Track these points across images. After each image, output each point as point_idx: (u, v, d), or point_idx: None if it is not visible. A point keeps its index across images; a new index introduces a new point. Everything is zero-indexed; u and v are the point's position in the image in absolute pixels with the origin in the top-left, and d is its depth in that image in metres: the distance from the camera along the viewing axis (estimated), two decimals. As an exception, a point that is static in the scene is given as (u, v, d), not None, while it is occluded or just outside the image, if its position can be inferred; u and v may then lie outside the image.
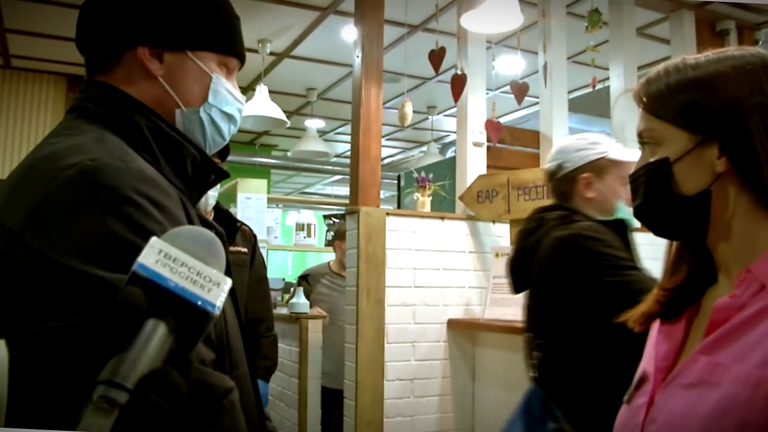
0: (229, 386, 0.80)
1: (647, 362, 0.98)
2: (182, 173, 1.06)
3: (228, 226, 2.99)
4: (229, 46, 1.13)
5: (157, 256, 0.61)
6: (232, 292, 1.06)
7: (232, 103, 1.14)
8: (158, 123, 1.04)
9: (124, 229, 0.82)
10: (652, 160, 0.94)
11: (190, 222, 0.98)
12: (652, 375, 0.94)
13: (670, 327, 0.98)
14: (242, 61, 1.17)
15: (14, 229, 0.83)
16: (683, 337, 0.95)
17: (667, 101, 0.93)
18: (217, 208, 2.96)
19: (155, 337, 0.58)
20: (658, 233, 0.99)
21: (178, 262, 0.61)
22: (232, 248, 2.93)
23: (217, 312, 0.61)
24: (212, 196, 2.89)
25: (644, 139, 0.97)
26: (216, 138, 1.14)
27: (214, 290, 0.62)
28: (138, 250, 0.73)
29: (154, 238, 0.63)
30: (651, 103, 0.95)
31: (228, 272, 0.75)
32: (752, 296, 0.86)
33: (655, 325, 1.02)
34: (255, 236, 3.15)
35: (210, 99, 1.10)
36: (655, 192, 0.94)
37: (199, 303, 0.60)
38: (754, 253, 0.88)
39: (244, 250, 3.01)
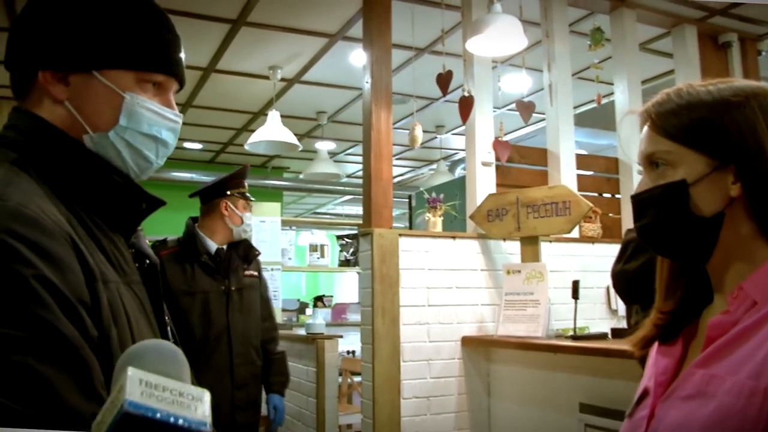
0: None
1: (647, 379, 1.02)
2: (105, 203, 1.00)
3: (247, 252, 3.09)
4: (147, 61, 1.03)
5: (141, 388, 0.60)
6: (163, 332, 1.07)
7: (157, 123, 1.04)
8: (75, 151, 0.99)
9: None
10: (665, 181, 0.96)
11: (82, 260, 0.88)
12: (653, 389, 0.98)
13: (668, 347, 1.01)
14: (173, 74, 1.07)
15: None
16: (681, 354, 0.99)
17: (681, 121, 0.95)
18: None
19: None
20: (664, 253, 1.03)
21: (159, 387, 0.61)
22: (246, 272, 3.04)
23: (209, 429, 0.61)
24: (248, 225, 3.03)
25: (655, 160, 0.98)
26: (140, 162, 1.04)
27: (200, 407, 0.62)
28: (4, 298, 0.74)
29: (131, 369, 0.61)
30: (663, 123, 0.97)
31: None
32: (744, 312, 0.90)
33: (654, 346, 1.05)
34: (258, 258, 3.27)
35: (122, 121, 1.01)
36: (671, 213, 0.96)
37: (192, 426, 0.60)
38: (745, 272, 0.93)
39: (255, 272, 3.12)
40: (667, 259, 1.04)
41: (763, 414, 0.82)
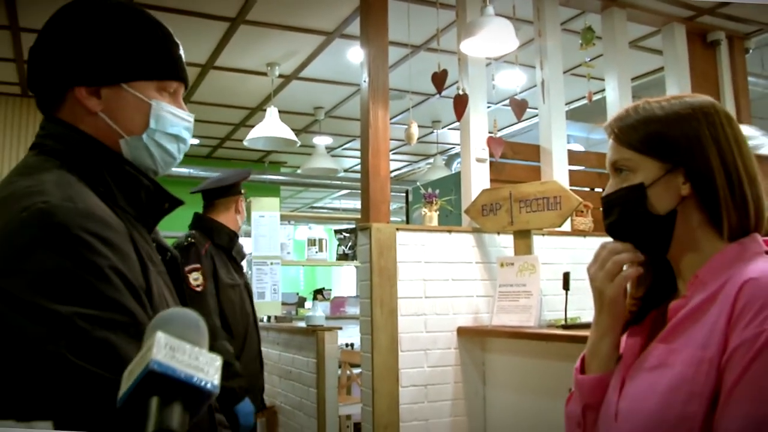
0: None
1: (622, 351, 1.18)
2: (137, 203, 1.12)
3: (241, 248, 3.26)
4: (165, 71, 1.17)
5: (165, 350, 0.70)
6: (180, 293, 1.19)
7: (177, 124, 1.18)
8: (112, 158, 1.11)
9: (72, 265, 0.90)
10: (627, 184, 1.12)
11: (138, 252, 1.03)
12: (623, 362, 1.14)
13: (638, 327, 1.16)
14: (183, 81, 1.21)
15: None
16: (648, 334, 1.14)
17: (638, 133, 1.11)
18: None
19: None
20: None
21: (180, 350, 0.71)
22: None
23: (216, 391, 0.71)
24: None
25: (618, 167, 1.14)
26: (166, 158, 1.19)
27: (211, 370, 0.72)
28: (85, 284, 0.89)
29: (159, 333, 0.71)
30: (624, 136, 1.13)
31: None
32: (696, 294, 1.06)
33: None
34: None
35: (152, 124, 1.14)
36: (632, 211, 1.12)
37: (203, 384, 0.71)
38: (703, 262, 1.08)
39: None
40: None
41: (709, 379, 0.98)
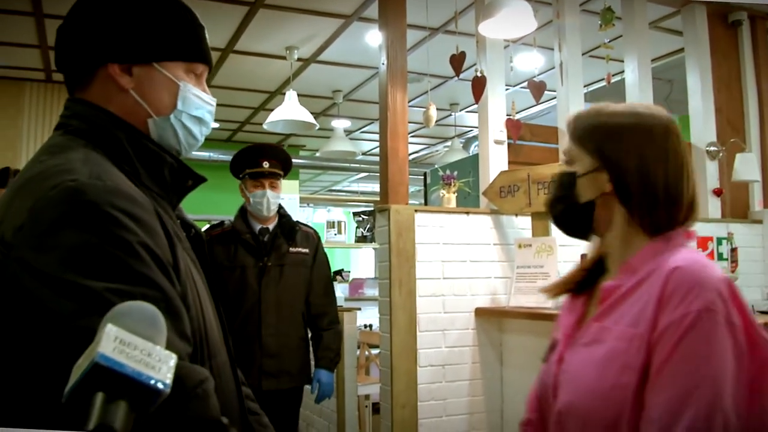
0: (203, 377, 0.93)
1: (557, 331, 1.35)
2: (161, 180, 1.14)
3: (288, 229, 3.24)
4: (194, 53, 1.19)
5: (113, 344, 0.66)
6: (213, 288, 1.21)
7: (202, 107, 1.20)
8: (136, 136, 1.12)
9: (101, 241, 0.91)
10: (566, 170, 1.32)
11: (165, 228, 1.04)
12: (561, 340, 1.31)
13: (574, 304, 1.35)
14: (209, 65, 1.23)
15: (8, 241, 0.92)
16: (582, 312, 1.32)
17: (584, 134, 1.30)
18: (280, 212, 3.25)
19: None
20: (556, 224, 1.37)
21: (131, 345, 0.67)
22: (291, 249, 3.20)
23: (167, 390, 0.67)
24: (273, 202, 3.15)
25: (565, 156, 1.33)
26: (189, 140, 1.20)
27: (164, 368, 0.68)
28: (115, 259, 0.90)
29: (109, 326, 0.67)
30: (575, 133, 1.31)
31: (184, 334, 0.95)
32: (627, 279, 1.22)
33: (565, 304, 1.40)
34: (318, 237, 3.39)
35: (179, 105, 1.16)
36: (563, 194, 1.32)
37: (152, 382, 0.66)
38: (628, 251, 1.26)
39: (305, 250, 3.25)
40: None
41: (640, 353, 1.12)
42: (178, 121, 1.17)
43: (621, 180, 1.24)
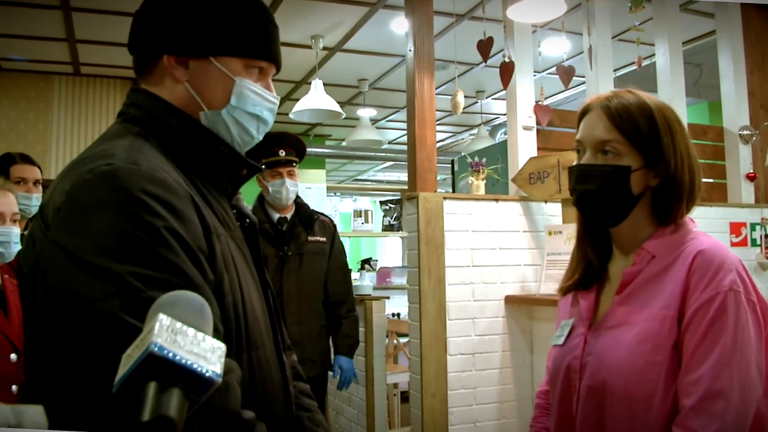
0: (227, 368, 0.89)
1: (568, 317, 1.42)
2: (213, 169, 1.14)
3: (306, 218, 3.25)
4: (254, 49, 1.16)
5: (167, 333, 0.67)
6: (263, 282, 1.22)
7: (260, 104, 1.18)
8: (190, 125, 1.13)
9: (131, 226, 0.92)
10: (615, 163, 1.30)
11: (201, 215, 1.04)
12: (581, 324, 1.37)
13: (585, 293, 1.40)
14: (274, 63, 1.21)
15: (48, 222, 0.96)
16: (596, 297, 1.38)
17: (635, 130, 1.29)
18: (297, 201, 3.25)
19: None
20: (591, 214, 1.36)
21: (182, 335, 0.68)
22: (310, 238, 3.20)
23: (219, 380, 0.68)
24: (291, 190, 3.15)
25: (606, 148, 1.31)
26: (243, 137, 1.18)
27: (213, 358, 0.69)
28: (142, 244, 0.91)
29: (162, 315, 0.68)
30: (622, 126, 1.30)
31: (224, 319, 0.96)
32: (646, 264, 1.30)
33: (567, 297, 1.46)
34: (335, 226, 3.39)
35: (232, 101, 1.14)
36: (614, 187, 1.30)
37: (204, 372, 0.67)
38: (640, 238, 1.33)
39: (323, 239, 3.26)
40: (580, 228, 1.43)
41: (672, 333, 1.22)
42: (231, 116, 1.16)
43: (669, 176, 1.29)
